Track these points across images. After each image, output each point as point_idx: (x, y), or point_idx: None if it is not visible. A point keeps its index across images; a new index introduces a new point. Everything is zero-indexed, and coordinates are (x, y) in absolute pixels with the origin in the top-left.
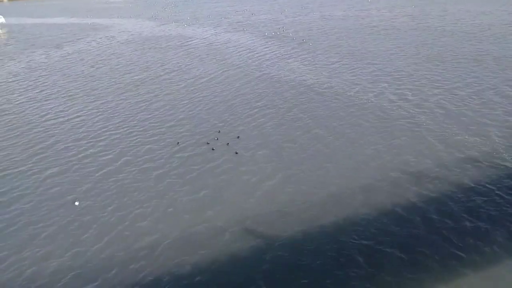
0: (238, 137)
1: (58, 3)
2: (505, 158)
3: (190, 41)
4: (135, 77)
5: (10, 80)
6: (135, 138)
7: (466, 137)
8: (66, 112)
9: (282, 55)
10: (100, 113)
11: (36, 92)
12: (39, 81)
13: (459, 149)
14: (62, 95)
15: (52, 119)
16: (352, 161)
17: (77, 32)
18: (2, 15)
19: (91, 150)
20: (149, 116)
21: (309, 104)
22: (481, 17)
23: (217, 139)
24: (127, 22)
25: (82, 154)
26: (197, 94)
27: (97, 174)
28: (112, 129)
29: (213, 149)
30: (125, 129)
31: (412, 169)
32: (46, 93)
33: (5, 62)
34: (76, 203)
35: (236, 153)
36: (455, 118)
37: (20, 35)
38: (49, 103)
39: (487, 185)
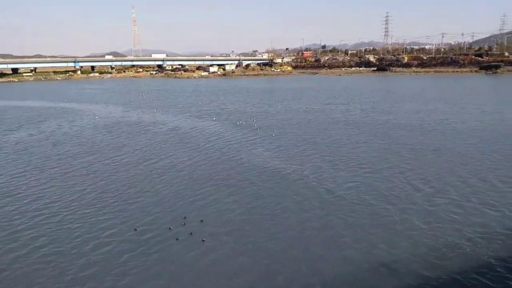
0: (201, 221)
1: (35, 88)
2: (451, 244)
3: (157, 126)
4: (93, 160)
5: None
6: (87, 220)
7: (397, 225)
8: (19, 192)
9: (243, 141)
10: (48, 195)
11: None
12: None
13: (399, 238)
14: (15, 175)
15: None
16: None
17: (45, 115)
18: None
19: (30, 232)
20: (103, 200)
21: (252, 187)
22: (430, 114)
23: (184, 224)
24: (97, 107)
25: (17, 243)
26: (157, 178)
27: (33, 256)
28: (58, 210)
29: (177, 239)
30: (76, 211)
31: (338, 255)
32: None
33: None
34: None
35: (203, 240)
36: (388, 204)
37: None
38: None
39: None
